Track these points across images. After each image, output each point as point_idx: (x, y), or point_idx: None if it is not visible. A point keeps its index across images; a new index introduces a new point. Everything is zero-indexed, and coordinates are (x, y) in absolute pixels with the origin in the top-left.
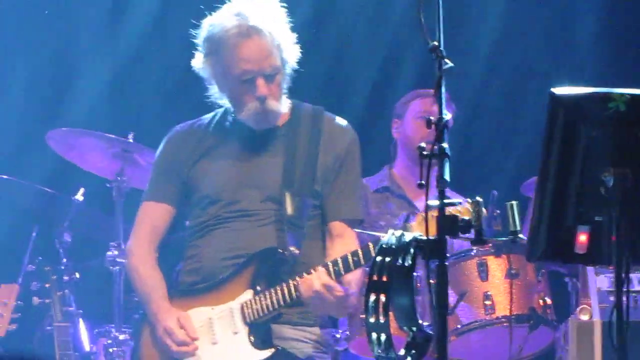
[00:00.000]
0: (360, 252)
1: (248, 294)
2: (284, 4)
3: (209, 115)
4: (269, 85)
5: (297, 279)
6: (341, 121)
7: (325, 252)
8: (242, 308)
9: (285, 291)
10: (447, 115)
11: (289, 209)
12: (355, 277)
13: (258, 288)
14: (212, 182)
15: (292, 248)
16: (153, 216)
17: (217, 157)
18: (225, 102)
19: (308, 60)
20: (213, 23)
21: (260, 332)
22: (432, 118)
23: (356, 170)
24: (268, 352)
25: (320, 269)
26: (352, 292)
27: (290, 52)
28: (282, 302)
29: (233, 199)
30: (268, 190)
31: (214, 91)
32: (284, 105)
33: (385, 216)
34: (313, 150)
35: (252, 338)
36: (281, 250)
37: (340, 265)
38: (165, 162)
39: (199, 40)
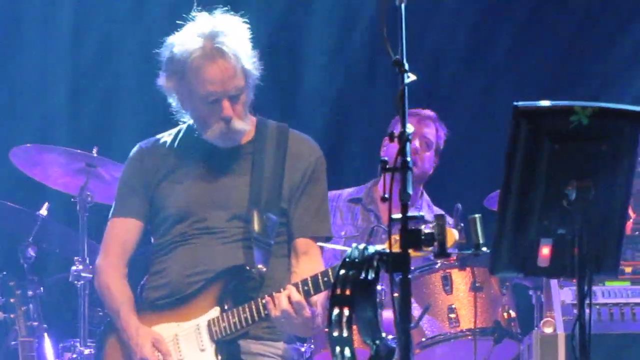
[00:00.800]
0: (330, 273)
1: (215, 312)
2: (246, 20)
3: (172, 131)
4: (234, 106)
5: (267, 297)
6: (306, 138)
7: (290, 269)
8: (209, 325)
9: (254, 309)
10: (410, 129)
11: (256, 227)
12: (320, 298)
13: (225, 306)
14: (177, 201)
15: (259, 266)
16: (122, 232)
17: (182, 176)
18: (188, 119)
19: (270, 75)
20: (177, 43)
21: (228, 350)
22: (394, 132)
23: (322, 186)
24: None
25: (291, 287)
26: (318, 312)
27: (253, 71)
28: (250, 321)
29: (199, 218)
30: (234, 209)
31: (177, 108)
32: (248, 123)
33: (348, 227)
34: (279, 167)
35: (219, 356)
36: (248, 268)
37: (310, 285)
38: (131, 178)
39: (162, 59)
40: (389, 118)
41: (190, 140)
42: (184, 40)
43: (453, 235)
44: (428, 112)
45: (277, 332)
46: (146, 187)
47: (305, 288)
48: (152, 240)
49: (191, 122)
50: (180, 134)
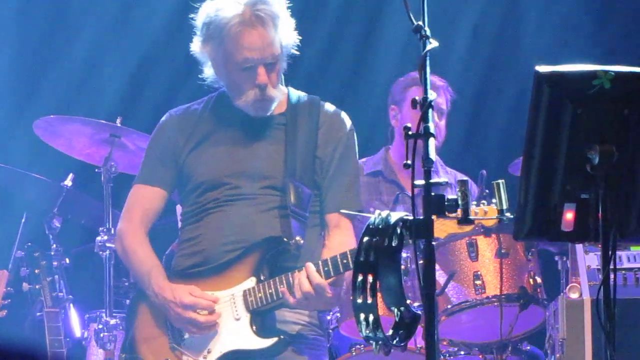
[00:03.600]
0: (349, 255)
1: (251, 282)
2: None
3: (203, 99)
4: (269, 74)
5: (296, 273)
6: (338, 111)
7: (322, 242)
8: (244, 295)
9: (291, 282)
10: (432, 95)
11: (293, 198)
12: (342, 276)
13: (262, 277)
14: (210, 168)
15: (297, 238)
16: (145, 199)
17: (215, 143)
18: (220, 88)
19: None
20: (215, 8)
21: (264, 320)
22: (417, 98)
23: (354, 160)
24: (270, 341)
25: (312, 267)
26: (339, 290)
27: (290, 40)
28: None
29: (232, 184)
30: (268, 177)
31: (209, 74)
32: (281, 93)
33: (374, 202)
34: (312, 140)
35: (254, 326)
36: (286, 240)
37: (330, 266)
38: (160, 146)
39: (197, 23)
40: (387, 84)
41: (222, 109)
42: (223, 6)
43: (495, 212)
44: (438, 81)
45: None
46: (175, 155)
47: (326, 269)
48: (182, 208)
49: (223, 90)
50: (212, 102)
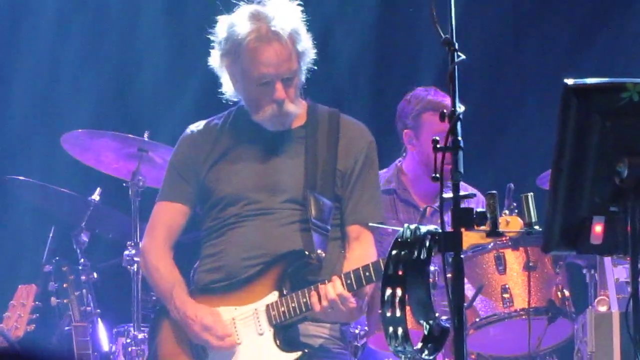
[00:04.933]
0: (371, 268)
1: (273, 296)
2: (300, 3)
3: (223, 114)
4: (287, 89)
5: (320, 285)
6: (358, 123)
7: (344, 254)
8: (267, 309)
9: (314, 294)
10: (461, 108)
11: (314, 211)
12: (364, 288)
13: (284, 291)
14: (231, 184)
15: (319, 251)
16: (168, 216)
17: (234, 159)
18: (239, 102)
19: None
20: (232, 23)
21: (287, 334)
22: (445, 111)
23: (375, 172)
24: (295, 355)
25: (336, 279)
26: (362, 302)
27: (307, 55)
28: (309, 306)
29: (252, 200)
30: (289, 192)
31: (228, 89)
32: (300, 107)
33: (391, 222)
34: (332, 153)
35: (278, 341)
36: (308, 253)
37: (353, 279)
38: (181, 162)
39: (215, 39)
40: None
41: (242, 123)
42: (240, 21)
43: (518, 222)
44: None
45: None
46: (196, 171)
47: (349, 282)
48: (203, 224)
49: (242, 104)
50: (231, 117)
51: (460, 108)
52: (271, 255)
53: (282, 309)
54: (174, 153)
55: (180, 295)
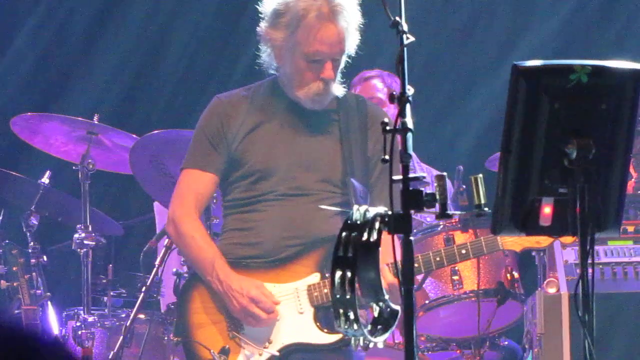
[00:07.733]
0: (420, 259)
1: (315, 277)
2: None
3: (251, 87)
4: (334, 70)
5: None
6: (382, 111)
7: None
8: (308, 289)
9: None
10: (410, 90)
11: (354, 195)
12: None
13: (326, 273)
14: (263, 157)
15: None
16: (198, 184)
17: (268, 132)
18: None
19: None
20: None
21: (326, 315)
22: (394, 92)
23: (397, 159)
24: (336, 337)
25: (385, 267)
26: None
27: (355, 41)
28: None
29: (286, 177)
30: (323, 171)
31: (266, 59)
32: (340, 90)
33: None
34: (364, 139)
35: (318, 322)
36: None
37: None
38: (211, 131)
39: (266, 9)
40: None
41: (273, 97)
42: None
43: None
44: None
45: None
46: (225, 140)
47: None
48: (229, 193)
49: (272, 78)
50: (262, 90)
51: (410, 90)
52: (310, 237)
53: (325, 290)
54: (202, 120)
55: (224, 267)
